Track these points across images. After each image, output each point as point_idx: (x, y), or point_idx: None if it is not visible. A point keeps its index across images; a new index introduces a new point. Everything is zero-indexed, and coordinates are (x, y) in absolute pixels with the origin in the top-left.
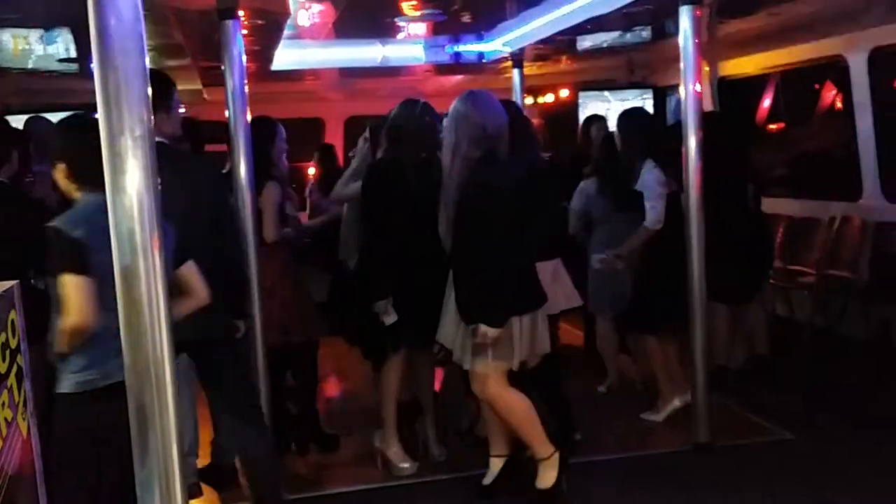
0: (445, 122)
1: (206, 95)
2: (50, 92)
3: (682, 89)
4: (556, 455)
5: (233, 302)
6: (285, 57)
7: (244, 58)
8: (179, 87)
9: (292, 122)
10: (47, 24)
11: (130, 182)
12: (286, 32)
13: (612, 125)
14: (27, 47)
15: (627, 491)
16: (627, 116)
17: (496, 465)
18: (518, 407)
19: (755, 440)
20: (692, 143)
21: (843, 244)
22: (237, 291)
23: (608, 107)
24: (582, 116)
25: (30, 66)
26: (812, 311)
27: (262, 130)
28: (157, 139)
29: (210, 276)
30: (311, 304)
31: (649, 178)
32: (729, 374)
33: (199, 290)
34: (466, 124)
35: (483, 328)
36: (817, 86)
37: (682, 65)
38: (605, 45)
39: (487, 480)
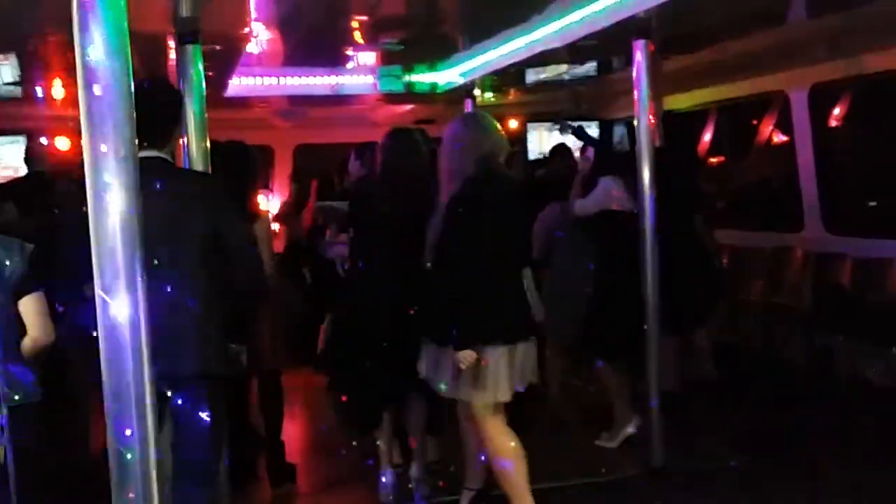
0: (443, 144)
1: None
2: None
3: (636, 121)
4: None
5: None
6: (237, 84)
7: (203, 83)
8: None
9: None
10: None
11: (113, 203)
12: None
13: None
14: None
15: None
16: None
17: (466, 497)
18: (504, 454)
19: (708, 465)
20: (645, 173)
21: (786, 274)
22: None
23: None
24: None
25: None
26: (756, 337)
27: (242, 158)
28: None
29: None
30: (283, 333)
31: (602, 183)
32: (676, 397)
33: (35, 328)
34: (467, 146)
35: (457, 353)
36: (755, 120)
37: (635, 96)
38: (552, 78)
39: None
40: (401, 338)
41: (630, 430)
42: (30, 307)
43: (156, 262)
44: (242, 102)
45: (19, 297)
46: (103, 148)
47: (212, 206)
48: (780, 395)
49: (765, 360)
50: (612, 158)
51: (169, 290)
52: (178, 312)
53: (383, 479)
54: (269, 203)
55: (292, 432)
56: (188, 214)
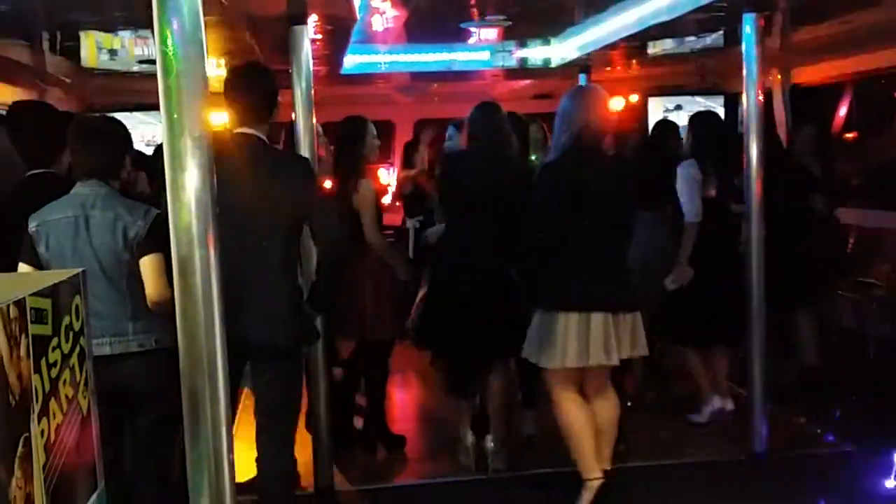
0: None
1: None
2: (132, 92)
3: (744, 97)
4: (599, 483)
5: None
6: (356, 60)
7: (311, 63)
8: None
9: None
10: (133, 26)
11: (189, 180)
12: (358, 36)
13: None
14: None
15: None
16: (699, 118)
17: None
18: (567, 420)
19: (812, 450)
20: (753, 152)
21: None
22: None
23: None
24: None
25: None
26: (880, 322)
27: (350, 129)
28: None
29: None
30: (392, 304)
31: (681, 173)
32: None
33: (150, 285)
34: (564, 117)
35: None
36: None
37: (744, 72)
38: (674, 50)
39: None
40: (492, 307)
41: (717, 403)
42: (148, 266)
43: (240, 234)
44: (364, 79)
45: (142, 257)
46: (179, 128)
47: (297, 185)
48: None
49: (888, 345)
50: (721, 142)
51: (250, 261)
52: (256, 283)
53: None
54: (391, 176)
55: (399, 402)
56: (275, 191)
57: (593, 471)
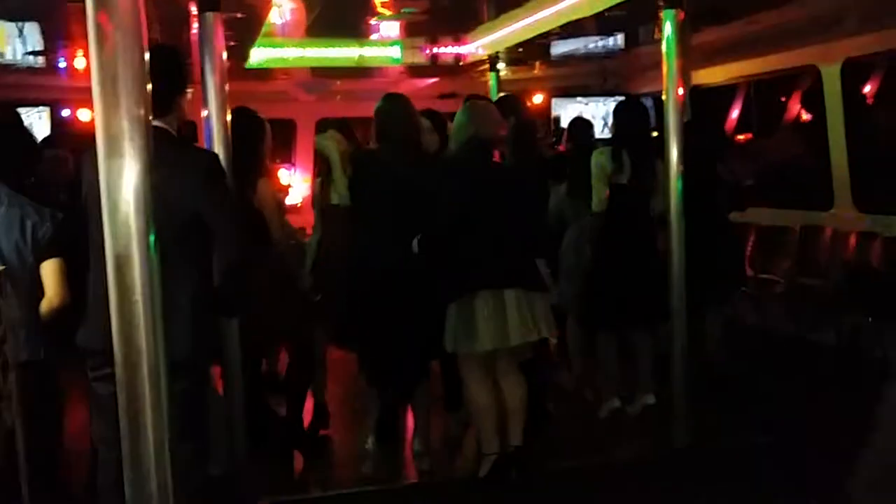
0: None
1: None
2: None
3: (664, 95)
4: (495, 457)
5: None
6: (259, 55)
7: (224, 53)
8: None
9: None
10: (16, 17)
11: (128, 166)
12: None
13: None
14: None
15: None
16: (622, 106)
17: (488, 463)
18: (472, 398)
19: (733, 443)
20: (673, 151)
21: (814, 253)
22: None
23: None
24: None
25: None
26: (782, 318)
27: (249, 125)
28: (163, 127)
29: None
30: (300, 304)
31: (592, 161)
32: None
33: (51, 289)
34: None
35: None
36: (784, 97)
37: (664, 69)
38: (579, 52)
39: (482, 473)
40: (410, 311)
41: (615, 403)
42: (48, 270)
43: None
44: (265, 74)
45: (43, 260)
46: (114, 115)
47: (193, 179)
48: (808, 378)
49: (792, 341)
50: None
51: None
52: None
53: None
54: (292, 177)
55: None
56: (172, 186)
57: (491, 447)
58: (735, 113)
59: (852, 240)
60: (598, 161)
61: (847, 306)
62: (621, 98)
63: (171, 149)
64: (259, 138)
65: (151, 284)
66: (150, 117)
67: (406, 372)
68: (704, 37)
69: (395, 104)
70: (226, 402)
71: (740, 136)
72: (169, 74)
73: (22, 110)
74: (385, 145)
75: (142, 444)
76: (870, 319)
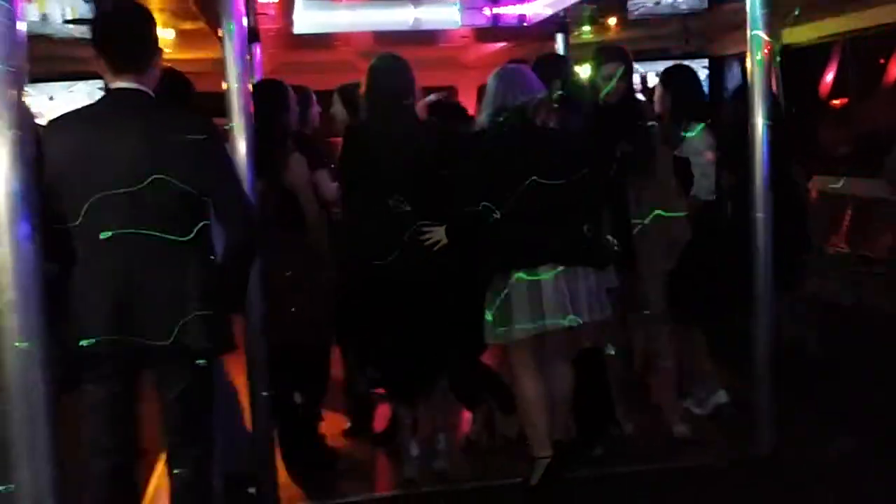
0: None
1: None
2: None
3: (748, 59)
4: (547, 461)
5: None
6: (306, 20)
7: (245, 19)
8: (202, 56)
9: (323, 94)
10: None
11: None
12: None
13: None
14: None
15: None
16: (679, 71)
17: (541, 467)
18: (521, 393)
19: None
20: (759, 122)
21: None
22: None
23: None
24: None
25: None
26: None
27: (268, 96)
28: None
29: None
30: (326, 303)
31: (699, 143)
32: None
33: None
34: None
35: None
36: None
37: (748, 31)
38: (659, 9)
39: (534, 480)
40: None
41: (721, 399)
42: None
43: (119, 214)
44: (322, 43)
45: None
46: None
47: (190, 147)
48: None
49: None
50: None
51: (135, 247)
52: (151, 274)
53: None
54: None
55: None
56: (161, 155)
57: (543, 448)
58: (830, 76)
59: None
60: (708, 140)
61: None
62: (701, 60)
63: (155, 113)
64: (281, 109)
65: (27, 285)
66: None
67: (417, 375)
68: None
69: (383, 63)
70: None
71: (835, 101)
72: (137, 30)
73: None
74: (373, 112)
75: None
76: None
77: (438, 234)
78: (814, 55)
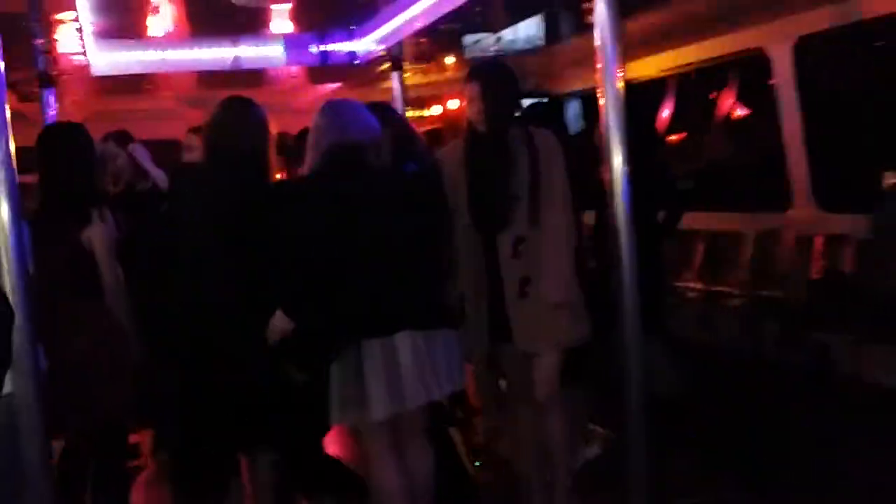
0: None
1: None
2: None
3: (602, 90)
4: None
5: None
6: (106, 59)
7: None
8: None
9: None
10: None
11: None
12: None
13: None
14: None
15: None
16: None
17: None
18: (381, 486)
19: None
20: (616, 158)
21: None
22: None
23: None
24: None
25: None
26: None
27: (62, 145)
28: None
29: None
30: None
31: None
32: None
33: None
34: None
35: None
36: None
37: (601, 61)
38: (492, 50)
39: None
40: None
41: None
42: None
43: None
44: (140, 88)
45: None
46: None
47: None
48: (777, 405)
49: (752, 363)
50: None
51: None
52: None
53: None
54: None
55: None
56: None
57: None
58: (666, 111)
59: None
60: None
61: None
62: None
63: None
64: (75, 157)
65: None
66: None
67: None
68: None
69: (228, 110)
70: None
71: (672, 136)
72: None
73: None
74: (210, 158)
75: None
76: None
77: (277, 324)
78: (652, 91)
